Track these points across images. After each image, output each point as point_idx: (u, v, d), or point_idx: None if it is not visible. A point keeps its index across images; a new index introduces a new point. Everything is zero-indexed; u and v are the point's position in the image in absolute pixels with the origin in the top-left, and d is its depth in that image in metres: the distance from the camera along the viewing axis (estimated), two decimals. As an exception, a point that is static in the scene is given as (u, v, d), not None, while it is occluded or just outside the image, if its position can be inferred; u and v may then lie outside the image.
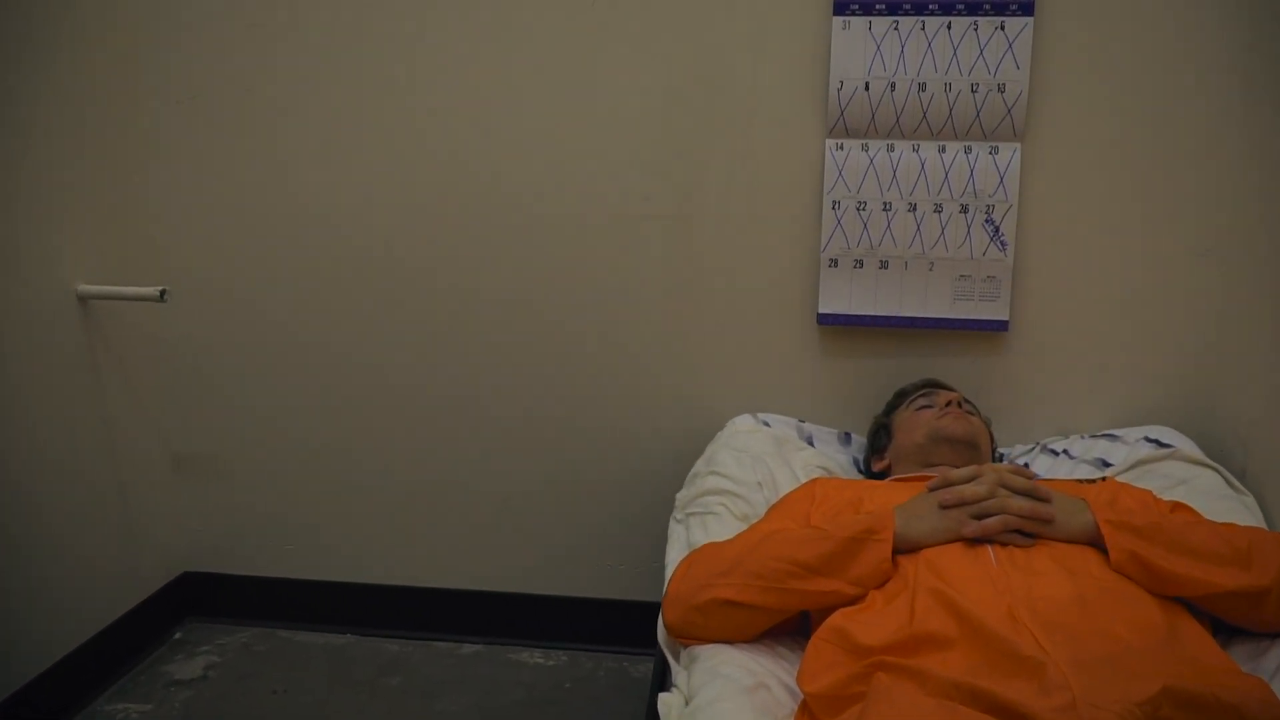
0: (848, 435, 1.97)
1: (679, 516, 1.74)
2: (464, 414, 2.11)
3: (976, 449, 1.68)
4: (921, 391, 1.81)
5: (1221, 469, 1.71)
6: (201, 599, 2.27)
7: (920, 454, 1.70)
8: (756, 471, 1.77)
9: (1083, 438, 1.90)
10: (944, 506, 1.33)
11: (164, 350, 2.15)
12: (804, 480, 1.77)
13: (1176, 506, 1.48)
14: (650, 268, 1.99)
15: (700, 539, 1.61)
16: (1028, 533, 1.31)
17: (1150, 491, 1.53)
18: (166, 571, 2.24)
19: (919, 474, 1.64)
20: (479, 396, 2.09)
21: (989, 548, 1.30)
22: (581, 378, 2.05)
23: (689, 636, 1.38)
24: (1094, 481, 1.56)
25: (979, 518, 1.32)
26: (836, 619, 1.27)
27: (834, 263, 1.93)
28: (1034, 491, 1.33)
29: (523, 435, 2.10)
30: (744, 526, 1.62)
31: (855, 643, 1.21)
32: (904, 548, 1.32)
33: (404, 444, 2.14)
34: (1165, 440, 1.81)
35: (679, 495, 1.79)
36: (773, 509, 1.61)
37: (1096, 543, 1.30)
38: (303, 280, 2.09)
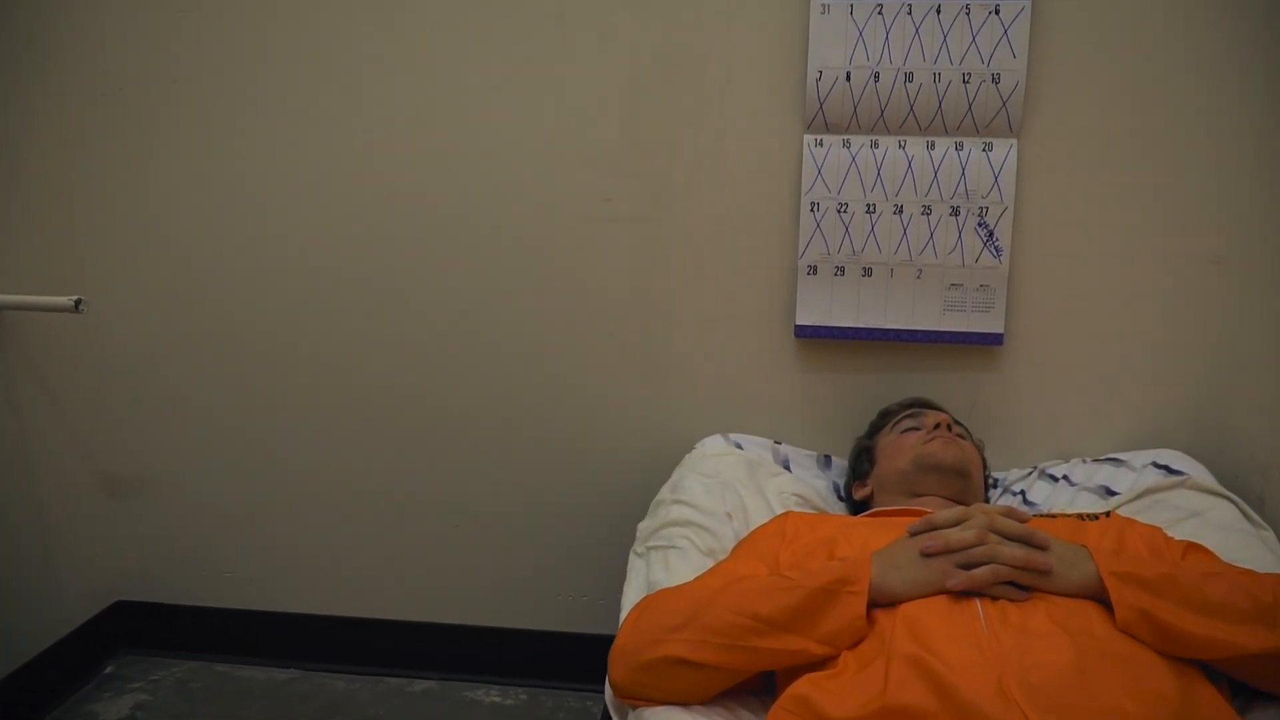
0: (827, 458, 1.81)
1: (639, 550, 1.58)
2: (414, 434, 1.95)
3: (967, 477, 1.53)
4: (908, 412, 1.66)
5: (1237, 499, 1.55)
6: (135, 630, 2.11)
7: (905, 482, 1.54)
8: (726, 500, 1.61)
9: (1085, 462, 1.74)
10: (926, 554, 1.17)
11: (92, 363, 1.99)
12: (778, 510, 1.62)
13: (1190, 548, 1.32)
14: (612, 275, 1.83)
15: (661, 577, 1.46)
16: (1022, 585, 1.15)
17: (1160, 529, 1.37)
18: (96, 601, 2.08)
19: (903, 507, 1.49)
20: (428, 416, 1.93)
21: (977, 602, 1.14)
22: (539, 395, 1.89)
23: (637, 697, 1.21)
24: (1097, 517, 1.40)
25: (966, 567, 1.15)
26: (802, 686, 1.11)
27: (813, 270, 1.77)
28: (1029, 538, 1.17)
29: (477, 457, 1.94)
30: (709, 562, 1.47)
31: (820, 715, 1.05)
32: (881, 601, 1.15)
33: (351, 465, 1.98)
34: (1175, 466, 1.65)
35: (641, 525, 1.63)
36: (740, 546, 1.45)
37: (1100, 597, 1.14)
38: (240, 289, 1.93)
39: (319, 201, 1.88)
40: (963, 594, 1.14)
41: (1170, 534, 1.40)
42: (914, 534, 1.21)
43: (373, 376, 1.93)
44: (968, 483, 1.53)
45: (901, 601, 1.15)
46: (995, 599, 1.14)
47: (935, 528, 1.20)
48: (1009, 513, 1.20)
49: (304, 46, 1.83)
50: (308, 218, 1.89)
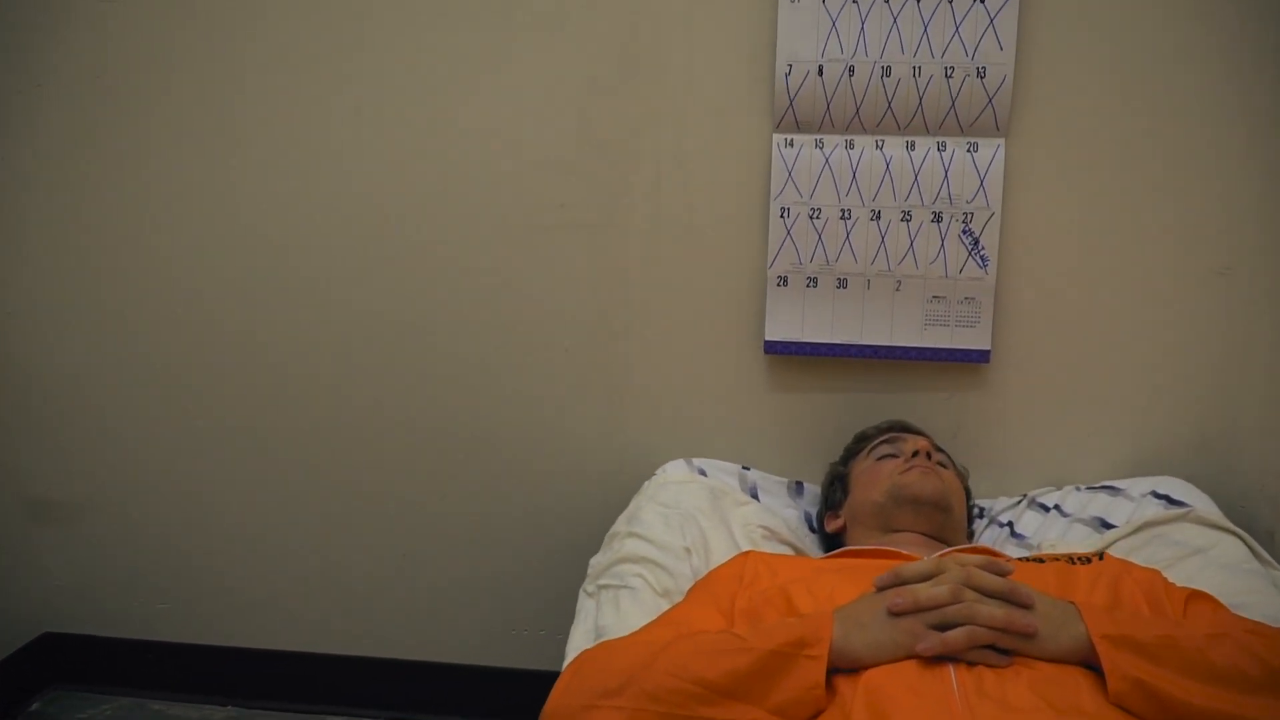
0: (799, 485, 1.67)
1: (589, 588, 1.44)
2: (358, 461, 1.81)
3: (947, 511, 1.39)
4: (885, 437, 1.52)
5: (1244, 534, 1.41)
6: (64, 664, 1.97)
7: (879, 516, 1.41)
8: (686, 534, 1.47)
9: (1078, 490, 1.60)
10: (894, 614, 1.03)
11: (18, 382, 1.86)
12: (743, 545, 1.49)
13: (1193, 598, 1.18)
14: (567, 286, 1.69)
15: (610, 621, 1.33)
16: (1003, 649, 1.01)
17: (1159, 574, 1.23)
18: (22, 633, 1.95)
19: (877, 546, 1.35)
20: (374, 438, 1.80)
21: (951, 668, 0.99)
22: (489, 417, 1.76)
23: (570, 767, 1.07)
24: (1089, 560, 1.26)
25: (941, 627, 1.01)
26: (750, 764, 0.97)
27: (783, 281, 1.63)
28: (1010, 594, 1.03)
29: (425, 484, 1.80)
30: (664, 604, 1.34)
31: (771, 800, 0.92)
32: (843, 665, 1.02)
33: (292, 490, 1.84)
34: (1176, 496, 1.51)
35: (593, 560, 1.49)
36: (696, 588, 1.32)
37: (1090, 662, 1.00)
38: (175, 300, 1.79)
39: (256, 208, 1.74)
40: (935, 659, 1.00)
41: (1170, 575, 1.27)
42: (881, 588, 1.07)
43: (315, 399, 1.80)
44: (948, 517, 1.40)
45: (866, 666, 1.01)
46: (972, 665, 1.00)
47: (904, 581, 1.06)
48: (988, 564, 1.06)
49: (235, 42, 1.69)
50: (244, 227, 1.75)
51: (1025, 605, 1.02)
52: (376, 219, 1.72)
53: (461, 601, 1.84)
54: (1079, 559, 1.27)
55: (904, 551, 1.31)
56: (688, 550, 1.45)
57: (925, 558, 1.13)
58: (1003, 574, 1.05)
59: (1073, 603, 1.04)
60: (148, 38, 1.70)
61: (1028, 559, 1.28)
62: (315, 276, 1.75)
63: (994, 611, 1.01)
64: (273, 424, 1.82)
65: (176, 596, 1.92)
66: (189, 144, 1.73)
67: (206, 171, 1.74)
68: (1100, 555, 1.28)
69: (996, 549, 1.45)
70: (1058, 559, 1.27)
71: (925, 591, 1.03)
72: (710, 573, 1.34)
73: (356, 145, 1.69)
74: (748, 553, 1.35)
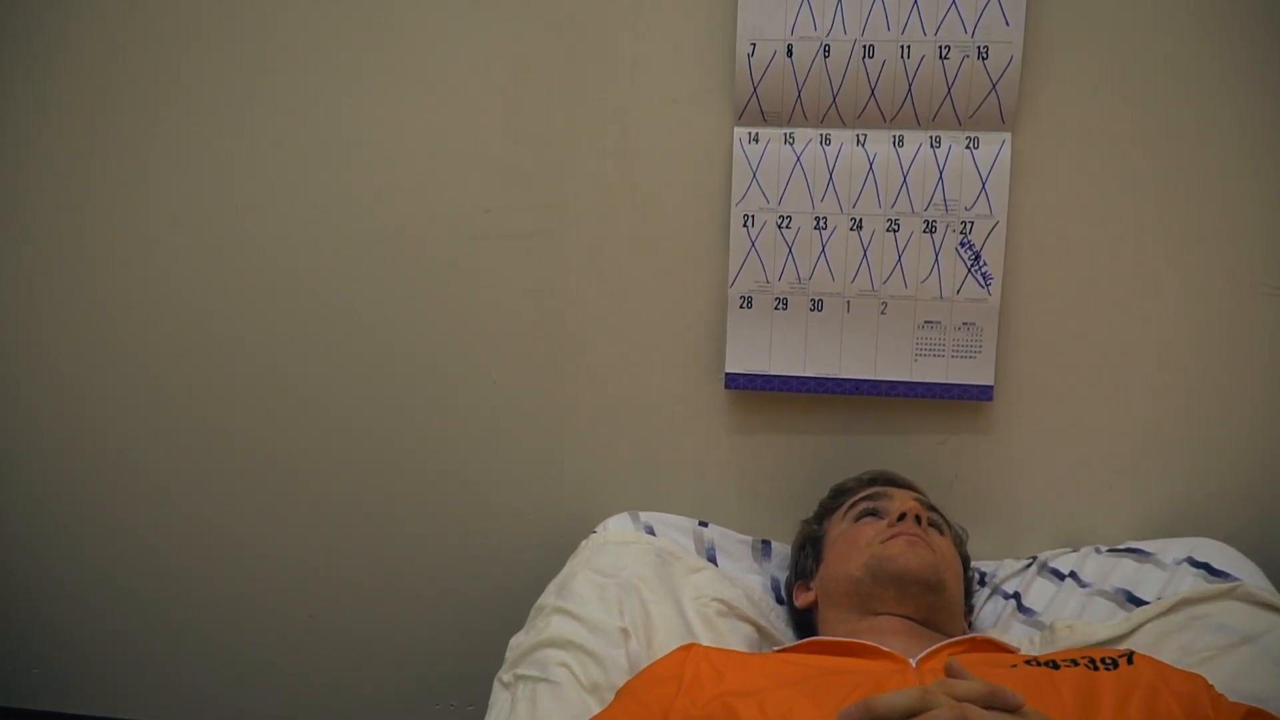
0: (766, 545, 1.41)
1: (505, 677, 1.19)
2: (253, 505, 1.56)
3: (938, 591, 1.14)
4: (867, 492, 1.28)
5: (1305, 616, 1.15)
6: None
7: (856, 594, 1.17)
8: (624, 610, 1.22)
9: (1098, 552, 1.34)
10: (864, 765, 0.77)
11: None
12: (694, 623, 1.25)
13: (1252, 716, 0.92)
14: (493, 306, 1.44)
15: (524, 724, 1.08)
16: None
17: (1204, 682, 0.99)
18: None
19: (851, 639, 1.10)
20: (270, 483, 1.54)
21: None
22: (403, 460, 1.50)
23: None
24: (1115, 663, 1.00)
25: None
26: None
27: (746, 302, 1.37)
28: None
29: (332, 539, 1.55)
30: (592, 704, 1.10)
31: None
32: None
33: (185, 545, 1.58)
34: (1218, 565, 1.26)
35: (514, 640, 1.24)
36: (625, 692, 1.08)
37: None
38: (37, 324, 1.55)
39: (132, 215, 1.49)
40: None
41: (1213, 671, 1.05)
42: (846, 725, 0.81)
43: (202, 441, 1.55)
44: (940, 598, 1.14)
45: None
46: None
47: (878, 718, 0.80)
48: (990, 695, 0.80)
49: (118, 36, 1.44)
50: (114, 237, 1.50)
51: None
52: (279, 229, 1.47)
53: (371, 670, 1.59)
54: (1103, 662, 1.01)
55: (884, 648, 1.06)
56: (624, 632, 1.19)
57: (906, 685, 0.87)
58: (1012, 709, 0.79)
59: None
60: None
61: (1039, 662, 1.02)
62: (195, 295, 1.50)
63: (1000, 775, 0.75)
64: (161, 475, 1.57)
65: (47, 661, 1.67)
66: (65, 144, 1.48)
67: (86, 184, 1.48)
68: (1129, 656, 1.02)
69: (1000, 638, 1.19)
70: (1076, 662, 1.01)
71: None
72: (644, 671, 1.09)
73: (257, 144, 1.45)
74: (690, 646, 1.10)
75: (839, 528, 1.25)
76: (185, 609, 1.61)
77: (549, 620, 1.22)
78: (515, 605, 1.31)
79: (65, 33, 1.46)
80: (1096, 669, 0.99)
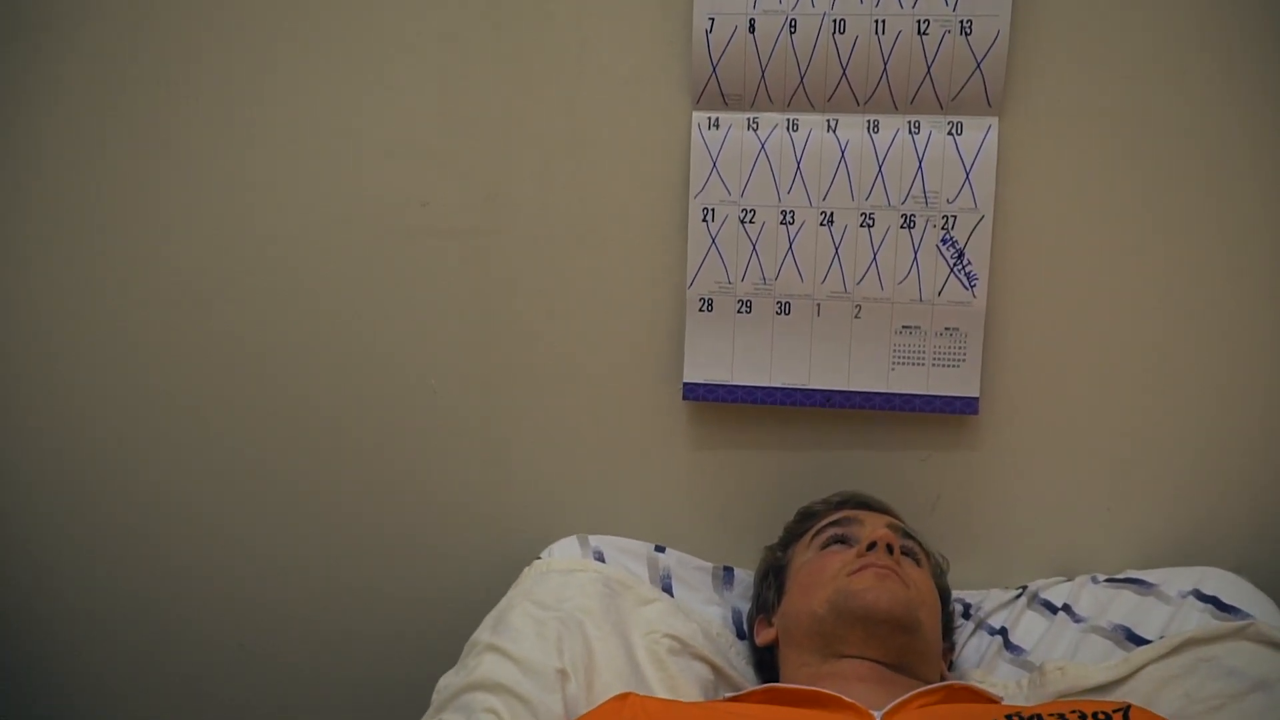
0: (728, 572, 1.28)
1: (432, 724, 1.07)
2: (177, 527, 1.43)
3: (912, 631, 1.02)
4: (835, 516, 1.16)
5: (1326, 660, 1.03)
6: None
7: (819, 633, 1.05)
8: (564, 649, 1.09)
9: (1095, 581, 1.22)
10: None
11: None
12: (643, 662, 1.12)
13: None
14: (431, 309, 1.32)
15: (449, 779, 0.96)
16: None
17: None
18: None
19: (811, 688, 0.98)
20: (192, 500, 1.42)
21: None
22: (335, 476, 1.38)
23: None
24: (1110, 719, 0.88)
25: None
26: None
27: (706, 304, 1.24)
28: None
29: (259, 555, 1.42)
30: (523, 757, 0.97)
31: None
32: None
33: (111, 565, 1.46)
34: (1227, 600, 1.13)
35: (443, 680, 1.11)
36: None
37: None
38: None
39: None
40: None
41: None
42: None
43: (110, 463, 1.42)
44: (913, 639, 1.02)
45: None
46: None
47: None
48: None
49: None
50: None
51: None
52: (192, 223, 1.34)
53: (305, 704, 1.46)
54: (1095, 718, 0.89)
55: (846, 698, 0.93)
56: (562, 674, 1.07)
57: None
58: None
59: None
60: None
61: (1023, 717, 0.89)
62: (103, 294, 1.38)
63: None
64: (48, 487, 1.44)
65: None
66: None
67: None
68: (1125, 712, 0.89)
69: (982, 682, 1.07)
70: (1064, 717, 0.89)
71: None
72: (581, 720, 0.97)
73: (166, 135, 1.32)
74: (625, 696, 0.98)
75: (803, 557, 1.13)
76: (114, 635, 1.49)
77: (480, 659, 1.09)
78: (455, 636, 1.18)
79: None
80: (1086, 728, 0.87)
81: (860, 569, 1.04)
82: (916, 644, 1.02)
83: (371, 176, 1.30)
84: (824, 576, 1.06)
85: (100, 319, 1.38)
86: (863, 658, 1.01)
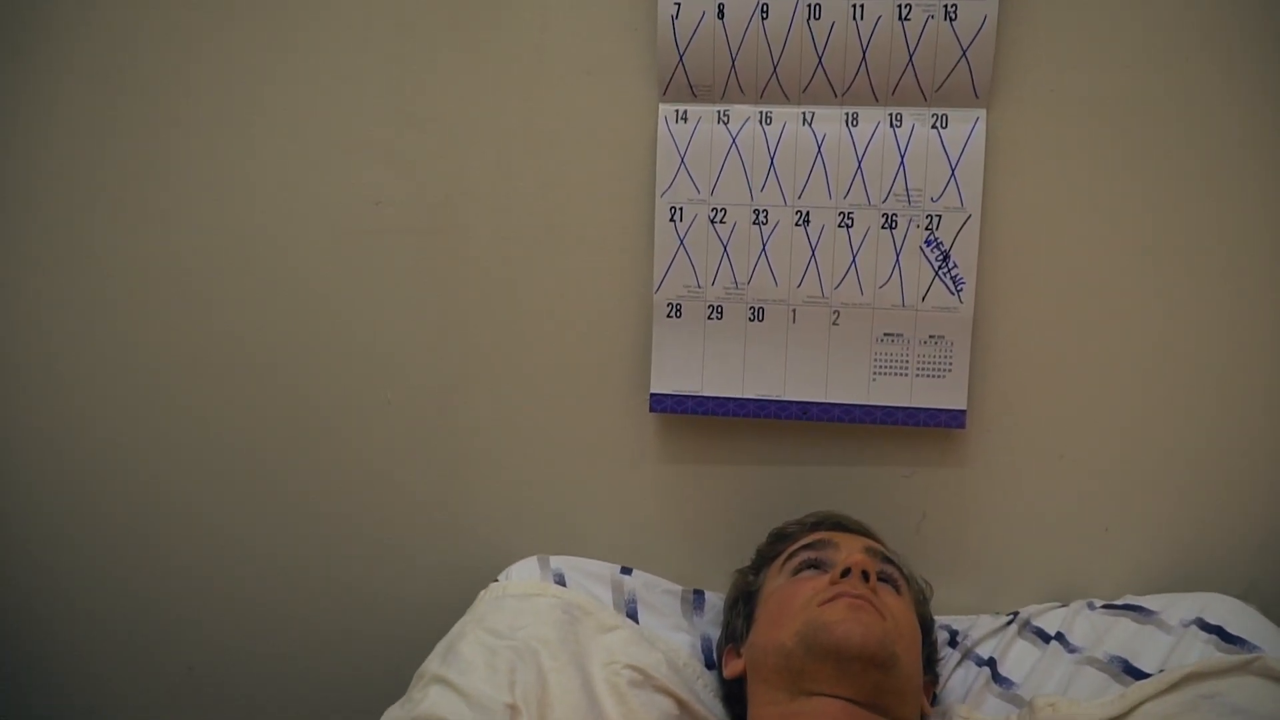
0: (698, 596, 1.20)
1: (372, 763, 0.99)
2: (109, 551, 1.36)
3: (887, 667, 0.94)
4: (809, 539, 1.08)
5: (1340, 698, 0.94)
6: None
7: (787, 668, 0.97)
8: (516, 680, 1.02)
9: (1091, 608, 1.13)
10: None
11: None
12: (602, 695, 1.04)
13: None
14: (384, 313, 1.25)
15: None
16: None
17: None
18: None
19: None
20: (130, 523, 1.35)
21: None
22: (281, 493, 1.30)
23: None
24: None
25: None
26: None
27: (675, 310, 1.17)
28: None
29: (209, 579, 1.35)
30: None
31: None
32: None
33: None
34: (1233, 630, 1.04)
35: (386, 714, 1.04)
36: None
37: None
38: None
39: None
40: None
41: None
42: None
43: (59, 477, 1.35)
44: (889, 676, 0.94)
45: None
46: None
47: None
48: None
49: None
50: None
51: None
52: (133, 223, 1.27)
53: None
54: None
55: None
56: (512, 709, 0.99)
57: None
58: None
59: None
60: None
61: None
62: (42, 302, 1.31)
63: None
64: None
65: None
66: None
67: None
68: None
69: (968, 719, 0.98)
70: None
71: None
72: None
73: (99, 126, 1.25)
74: (573, 738, 0.90)
75: (775, 582, 1.05)
76: (58, 655, 1.42)
77: (426, 692, 1.02)
78: (400, 669, 1.11)
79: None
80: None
81: (832, 598, 0.96)
82: (893, 681, 0.94)
83: (324, 176, 1.22)
84: (794, 606, 0.98)
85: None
86: (835, 695, 0.93)
